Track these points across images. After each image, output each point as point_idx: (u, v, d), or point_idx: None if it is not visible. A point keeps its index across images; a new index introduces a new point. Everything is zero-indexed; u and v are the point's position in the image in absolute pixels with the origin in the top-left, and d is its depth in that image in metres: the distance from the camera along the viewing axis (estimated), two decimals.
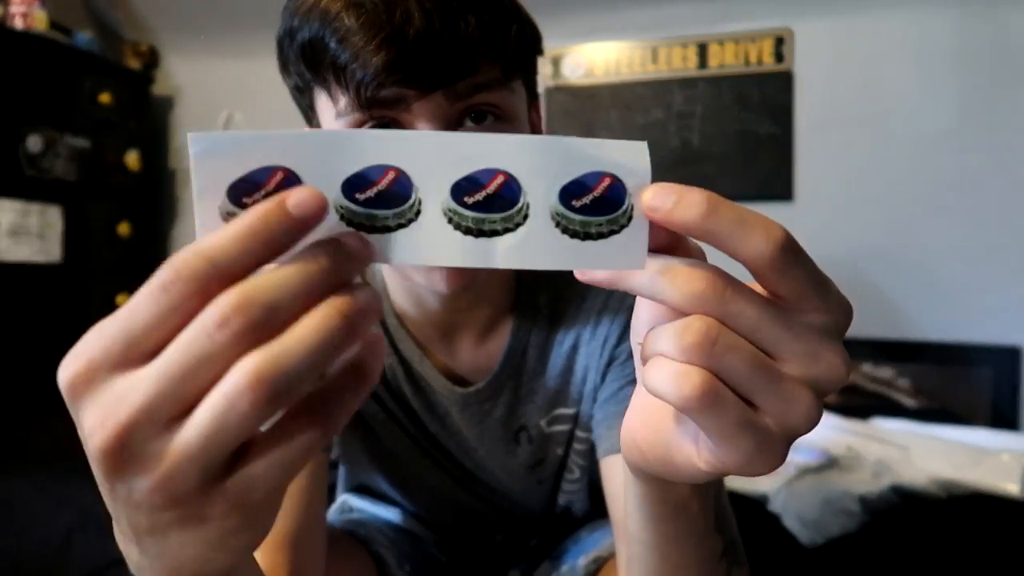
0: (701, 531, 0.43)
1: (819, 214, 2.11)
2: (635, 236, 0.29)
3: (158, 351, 0.24)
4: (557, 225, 0.29)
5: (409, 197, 0.28)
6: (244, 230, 0.24)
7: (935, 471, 1.39)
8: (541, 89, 2.62)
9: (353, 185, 0.27)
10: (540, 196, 0.28)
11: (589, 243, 0.29)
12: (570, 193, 0.28)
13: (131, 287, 2.28)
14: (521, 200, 0.28)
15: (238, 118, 2.63)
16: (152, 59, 2.69)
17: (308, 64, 0.56)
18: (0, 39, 2.08)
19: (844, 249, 2.09)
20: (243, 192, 0.27)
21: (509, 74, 0.57)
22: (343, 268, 0.26)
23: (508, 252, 0.29)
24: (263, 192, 0.26)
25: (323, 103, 0.58)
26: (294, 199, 0.25)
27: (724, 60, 2.19)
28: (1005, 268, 1.96)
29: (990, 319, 1.96)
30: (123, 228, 2.43)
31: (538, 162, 0.28)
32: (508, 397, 0.70)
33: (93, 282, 2.33)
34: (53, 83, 2.23)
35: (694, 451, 0.30)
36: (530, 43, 0.62)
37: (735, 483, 1.42)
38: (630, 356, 0.66)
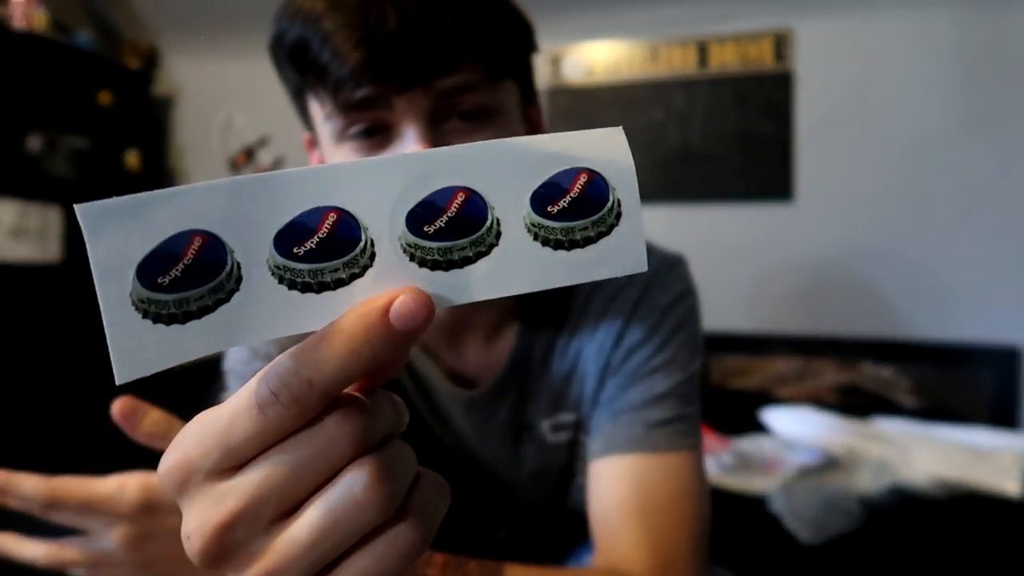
0: None
1: (819, 214, 2.11)
2: (629, 234, 0.26)
3: (253, 459, 0.25)
4: (536, 238, 0.25)
5: (358, 240, 0.24)
6: (344, 349, 0.23)
7: (935, 471, 1.39)
8: (541, 89, 2.59)
9: (288, 239, 0.23)
10: (510, 208, 0.25)
11: (576, 252, 0.25)
12: (543, 198, 0.25)
13: None
14: (489, 217, 0.25)
15: (238, 118, 2.63)
16: (152, 59, 2.69)
17: (295, 67, 0.57)
18: (0, 39, 2.09)
19: (844, 249, 2.09)
20: (157, 270, 0.22)
21: (495, 72, 0.57)
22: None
23: (486, 280, 0.25)
24: (181, 265, 0.22)
25: (314, 107, 0.59)
26: (397, 311, 0.23)
27: (724, 60, 2.19)
28: (1005, 268, 1.96)
29: (990, 319, 1.95)
30: None
31: (499, 169, 0.25)
32: (513, 398, 0.70)
33: (93, 282, 2.33)
34: (53, 83, 2.23)
35: None
36: (520, 42, 0.62)
37: (735, 483, 1.42)
38: (625, 360, 0.66)
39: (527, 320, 0.69)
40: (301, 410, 0.24)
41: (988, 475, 1.38)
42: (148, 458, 0.47)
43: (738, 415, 1.79)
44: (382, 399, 0.26)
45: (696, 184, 2.17)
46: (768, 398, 1.94)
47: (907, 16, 2.04)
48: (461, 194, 0.24)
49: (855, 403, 1.91)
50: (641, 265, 0.26)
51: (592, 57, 2.29)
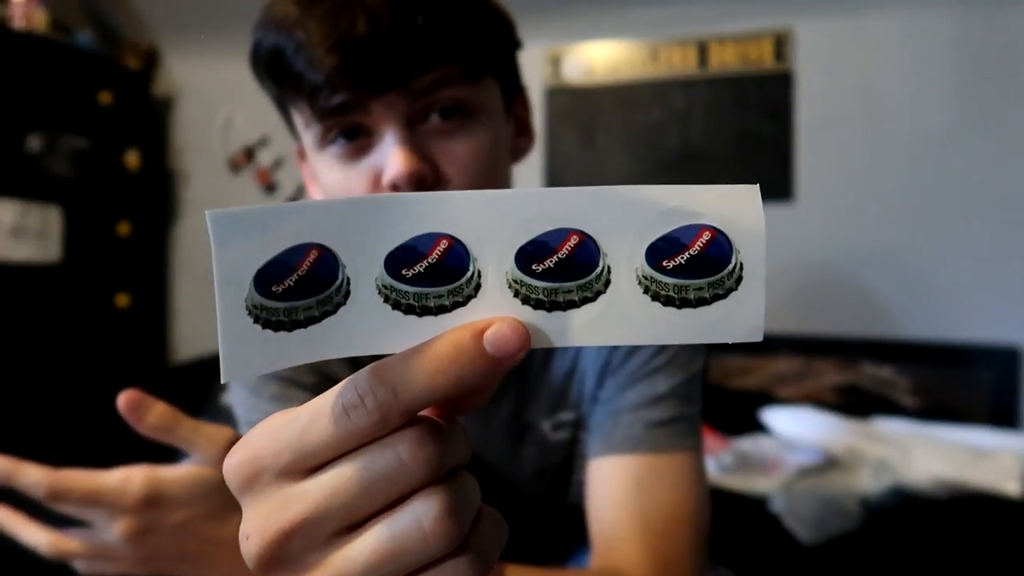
0: None
1: (819, 214, 2.11)
2: (748, 301, 0.24)
3: (326, 465, 0.24)
4: (646, 291, 0.24)
5: (466, 269, 0.24)
6: (434, 365, 0.23)
7: (935, 471, 1.39)
8: (541, 89, 2.57)
9: (398, 260, 0.23)
10: (623, 257, 0.24)
11: (687, 312, 0.24)
12: (660, 252, 0.24)
13: (131, 287, 2.28)
14: (600, 263, 0.24)
15: (238, 118, 2.63)
16: (152, 59, 2.69)
17: (273, 77, 0.57)
18: (0, 39, 2.09)
19: (844, 249, 2.09)
20: (272, 279, 0.23)
21: (472, 70, 0.56)
22: None
23: (588, 327, 0.24)
24: (295, 276, 0.23)
25: (297, 118, 0.59)
26: (492, 336, 0.23)
27: (724, 60, 2.19)
28: (1005, 268, 1.96)
29: (990, 319, 1.95)
30: (123, 228, 2.43)
31: (617, 216, 0.24)
32: (513, 398, 0.70)
33: (93, 282, 2.33)
34: (53, 83, 2.23)
35: None
36: (500, 39, 0.62)
37: (735, 483, 1.42)
38: (625, 360, 0.66)
39: None
40: (382, 418, 0.23)
41: (988, 475, 1.38)
42: (148, 456, 0.47)
43: (738, 415, 1.79)
44: (458, 429, 0.26)
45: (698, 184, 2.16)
46: (768, 398, 1.94)
47: (907, 16, 2.04)
48: (575, 236, 0.24)
49: (855, 403, 1.91)
50: (756, 335, 0.24)
51: (592, 57, 2.29)
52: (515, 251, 0.24)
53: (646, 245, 0.24)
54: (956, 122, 2.00)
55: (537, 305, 0.24)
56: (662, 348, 0.65)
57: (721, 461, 1.50)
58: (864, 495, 1.34)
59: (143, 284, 2.55)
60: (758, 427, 1.75)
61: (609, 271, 0.24)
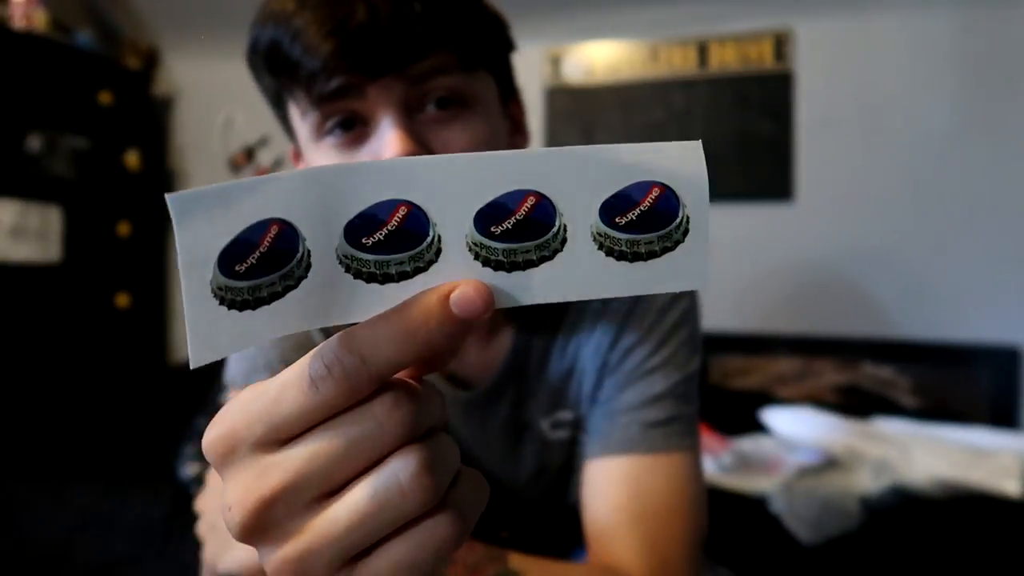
0: None
1: (819, 214, 2.11)
2: (693, 251, 0.26)
3: (299, 436, 0.25)
4: (600, 247, 0.25)
5: (426, 235, 0.24)
6: (401, 330, 0.23)
7: (935, 471, 1.39)
8: (541, 89, 2.56)
9: (358, 229, 0.24)
10: (578, 216, 0.25)
11: (639, 264, 0.25)
12: (613, 209, 0.25)
13: (131, 287, 2.27)
14: (557, 223, 0.25)
15: (238, 118, 2.63)
16: (152, 59, 2.69)
17: (270, 69, 0.57)
18: (0, 39, 2.09)
19: (844, 249, 2.09)
20: (235, 258, 0.23)
21: (467, 60, 0.57)
22: None
23: (547, 284, 0.25)
24: (257, 253, 0.23)
25: (292, 110, 0.59)
26: (457, 297, 0.23)
27: (724, 60, 2.19)
28: (1005, 268, 1.96)
29: (989, 319, 1.95)
30: (123, 228, 2.43)
31: (571, 176, 0.25)
32: (512, 397, 0.70)
33: (93, 282, 2.33)
34: (53, 83, 2.23)
35: None
36: (494, 36, 0.62)
37: (735, 483, 1.42)
38: (622, 359, 0.66)
39: (525, 319, 0.69)
40: (352, 387, 0.24)
41: (988, 475, 1.38)
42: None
43: (738, 415, 1.79)
44: (431, 390, 0.26)
45: None
46: (768, 398, 1.94)
47: (907, 16, 2.04)
48: (531, 198, 0.25)
49: (855, 403, 1.91)
50: (701, 282, 0.26)
51: (592, 57, 2.29)
52: (474, 214, 0.24)
53: (600, 203, 0.25)
54: (956, 122, 2.00)
55: (497, 266, 0.25)
56: (659, 347, 0.65)
57: (721, 461, 1.50)
58: (864, 495, 1.34)
59: (143, 284, 2.55)
60: (758, 427, 1.75)
61: (565, 230, 0.25)
